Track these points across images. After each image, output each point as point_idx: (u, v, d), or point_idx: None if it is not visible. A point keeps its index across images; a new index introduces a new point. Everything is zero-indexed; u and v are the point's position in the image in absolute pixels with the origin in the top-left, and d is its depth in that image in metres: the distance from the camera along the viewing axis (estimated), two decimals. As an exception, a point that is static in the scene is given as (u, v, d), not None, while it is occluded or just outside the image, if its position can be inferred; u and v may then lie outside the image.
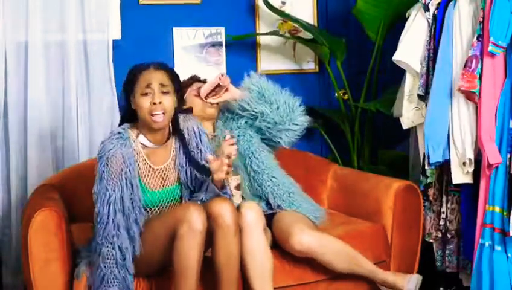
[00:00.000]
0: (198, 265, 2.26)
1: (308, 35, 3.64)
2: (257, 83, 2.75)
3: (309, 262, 2.64)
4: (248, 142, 2.74)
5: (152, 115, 2.34)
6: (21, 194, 3.09)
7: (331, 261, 2.63)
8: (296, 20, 3.53)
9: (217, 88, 2.71)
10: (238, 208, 2.45)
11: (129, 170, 2.34)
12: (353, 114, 3.61)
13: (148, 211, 2.44)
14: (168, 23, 3.51)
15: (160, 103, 2.33)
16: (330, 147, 3.65)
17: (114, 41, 3.28)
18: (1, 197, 3.11)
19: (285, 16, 3.59)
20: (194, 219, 2.23)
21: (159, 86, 2.35)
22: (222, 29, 3.59)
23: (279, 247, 2.64)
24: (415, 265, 2.92)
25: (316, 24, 3.77)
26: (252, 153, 2.74)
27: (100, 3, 3.20)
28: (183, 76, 3.49)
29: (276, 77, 3.67)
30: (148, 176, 2.43)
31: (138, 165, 2.40)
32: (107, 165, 2.33)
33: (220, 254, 2.32)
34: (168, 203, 2.46)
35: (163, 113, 2.35)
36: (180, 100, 2.55)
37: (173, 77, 2.43)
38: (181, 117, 2.51)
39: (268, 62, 3.72)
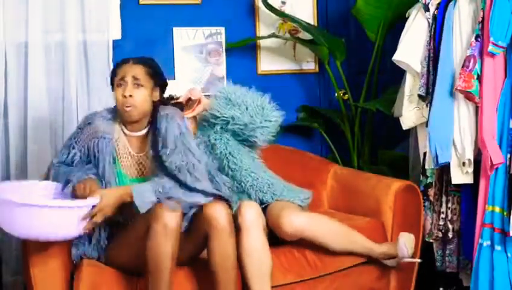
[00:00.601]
0: (172, 263, 2.25)
1: (308, 35, 3.64)
2: (222, 90, 2.75)
3: (309, 259, 2.65)
4: (225, 144, 2.74)
5: (124, 106, 2.40)
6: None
7: (325, 241, 2.64)
8: (295, 21, 3.53)
9: (190, 102, 2.72)
10: (238, 207, 2.46)
11: (99, 143, 2.40)
12: (353, 114, 3.60)
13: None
14: (168, 23, 3.51)
15: (130, 96, 2.39)
16: (330, 147, 3.65)
17: (114, 41, 3.28)
18: (1, 197, 3.11)
19: (285, 16, 3.59)
20: (168, 218, 2.22)
21: (132, 79, 2.41)
22: (222, 29, 3.59)
23: (278, 244, 2.64)
24: (415, 265, 2.92)
25: (316, 24, 3.77)
26: (230, 153, 2.73)
27: (100, 3, 3.20)
28: (183, 76, 3.53)
29: (276, 77, 3.70)
30: (126, 160, 2.46)
31: (117, 145, 2.46)
32: (82, 129, 2.46)
33: (215, 255, 2.31)
34: None
35: (134, 107, 2.40)
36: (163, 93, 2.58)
37: (151, 71, 2.47)
38: (160, 109, 2.53)
39: (268, 62, 3.72)
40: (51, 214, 2.14)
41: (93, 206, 2.24)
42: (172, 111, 2.53)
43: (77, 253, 2.44)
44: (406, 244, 2.74)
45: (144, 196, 2.28)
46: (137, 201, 2.27)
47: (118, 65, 2.49)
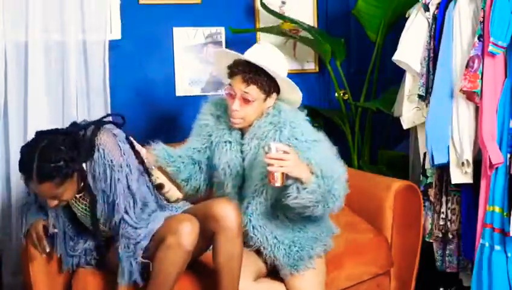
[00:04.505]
0: (177, 278, 2.24)
1: (308, 35, 3.64)
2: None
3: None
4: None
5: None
6: (21, 194, 3.09)
7: None
8: (295, 22, 3.53)
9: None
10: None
11: None
12: (353, 114, 3.61)
13: None
14: (168, 23, 3.51)
15: (59, 201, 2.24)
16: (330, 147, 3.64)
17: (114, 42, 3.28)
18: (1, 197, 3.11)
19: (284, 18, 3.59)
20: (185, 237, 2.18)
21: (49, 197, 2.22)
22: (222, 29, 3.59)
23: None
24: (415, 265, 2.92)
25: (316, 24, 3.77)
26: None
27: (100, 3, 3.20)
28: (183, 76, 3.54)
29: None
30: None
31: None
32: None
33: (221, 255, 2.29)
34: None
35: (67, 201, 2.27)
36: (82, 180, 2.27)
37: (58, 182, 2.16)
38: None
39: (269, 62, 3.72)
40: None
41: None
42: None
43: (73, 262, 2.44)
44: None
45: None
46: None
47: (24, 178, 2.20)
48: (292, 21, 3.54)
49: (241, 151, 2.47)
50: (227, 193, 2.49)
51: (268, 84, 2.38)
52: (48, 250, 2.27)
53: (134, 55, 3.44)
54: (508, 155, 2.66)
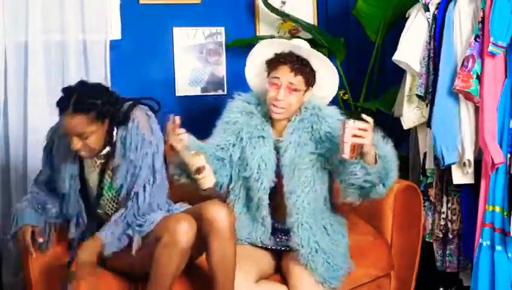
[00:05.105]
0: (174, 279, 2.24)
1: (308, 35, 3.64)
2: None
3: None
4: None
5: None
6: (21, 193, 3.09)
7: None
8: (295, 20, 3.54)
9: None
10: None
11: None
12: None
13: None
14: (168, 23, 3.51)
15: (83, 146, 2.26)
16: (330, 147, 3.64)
17: (114, 42, 3.28)
18: (1, 197, 3.11)
19: (285, 16, 3.59)
20: (181, 236, 2.19)
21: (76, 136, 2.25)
22: (222, 29, 3.60)
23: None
24: (415, 265, 2.92)
25: (316, 24, 3.77)
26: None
27: (100, 3, 3.21)
28: (183, 76, 3.54)
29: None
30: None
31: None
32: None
33: (214, 257, 2.28)
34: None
35: (90, 151, 2.29)
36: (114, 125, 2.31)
37: (91, 117, 2.22)
38: None
39: (269, 62, 3.72)
40: None
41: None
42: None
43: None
44: None
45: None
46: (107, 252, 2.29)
47: (60, 112, 2.25)
48: (293, 20, 3.54)
49: (275, 147, 2.50)
50: (262, 188, 2.48)
51: (311, 76, 2.47)
52: (34, 255, 2.32)
53: (134, 55, 3.44)
54: (508, 155, 2.66)
